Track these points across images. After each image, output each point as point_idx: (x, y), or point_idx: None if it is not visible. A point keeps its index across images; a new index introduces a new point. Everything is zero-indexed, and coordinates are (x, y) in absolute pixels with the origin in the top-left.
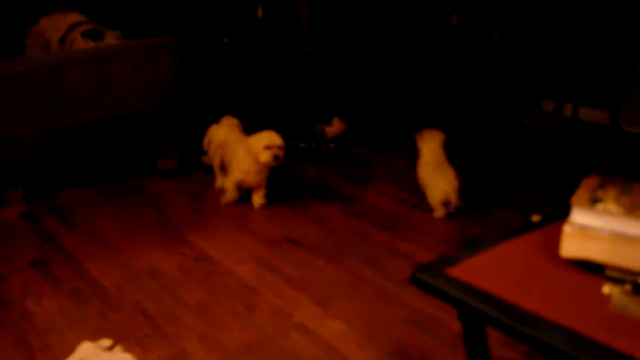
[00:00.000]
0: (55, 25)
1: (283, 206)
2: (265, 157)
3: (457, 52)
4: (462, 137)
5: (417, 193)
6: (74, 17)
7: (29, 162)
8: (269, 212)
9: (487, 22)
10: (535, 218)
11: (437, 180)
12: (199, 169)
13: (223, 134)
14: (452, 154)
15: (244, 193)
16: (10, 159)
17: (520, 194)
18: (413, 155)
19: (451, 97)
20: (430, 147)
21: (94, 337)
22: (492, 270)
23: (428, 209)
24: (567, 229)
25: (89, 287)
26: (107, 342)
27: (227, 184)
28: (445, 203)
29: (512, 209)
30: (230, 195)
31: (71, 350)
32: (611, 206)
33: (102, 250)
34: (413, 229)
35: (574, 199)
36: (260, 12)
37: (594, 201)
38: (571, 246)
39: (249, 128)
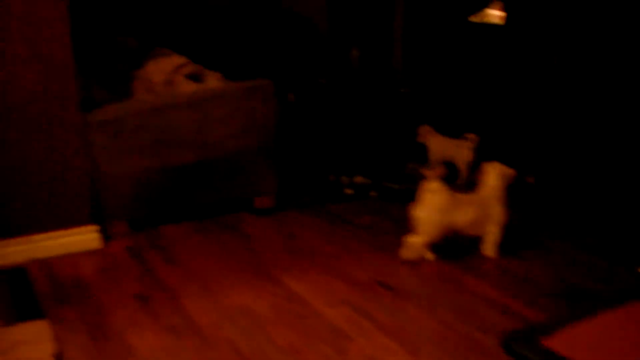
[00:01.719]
0: (159, 68)
1: (375, 248)
2: None
3: (558, 95)
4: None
5: None
6: (177, 59)
7: (133, 198)
8: (361, 254)
9: (588, 60)
10: None
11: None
12: (294, 208)
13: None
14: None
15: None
16: (116, 195)
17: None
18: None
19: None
20: (493, 182)
21: None
22: (598, 344)
23: (528, 256)
24: None
25: (186, 323)
26: None
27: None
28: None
29: (597, 254)
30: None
31: None
32: None
33: (198, 286)
34: (511, 277)
35: None
36: (355, 53)
37: None
38: None
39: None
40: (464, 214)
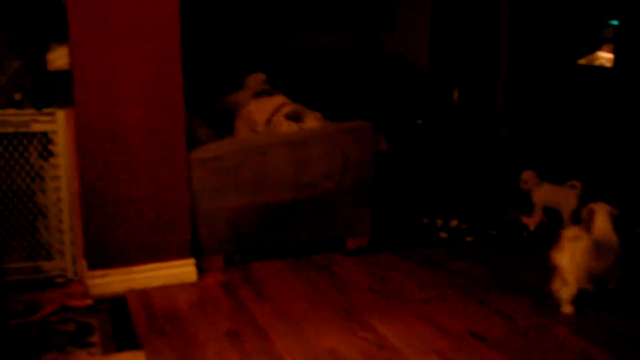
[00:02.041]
0: (262, 108)
1: (469, 296)
2: None
3: None
4: None
5: None
6: (279, 99)
7: (229, 234)
8: (454, 302)
9: None
10: None
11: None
12: (387, 250)
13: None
14: None
15: None
16: (212, 231)
17: None
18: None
19: None
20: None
21: None
22: None
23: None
24: None
25: None
26: None
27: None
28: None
29: None
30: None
31: None
32: None
33: (288, 325)
34: (614, 337)
35: None
36: (455, 94)
37: None
38: None
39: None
40: (605, 259)
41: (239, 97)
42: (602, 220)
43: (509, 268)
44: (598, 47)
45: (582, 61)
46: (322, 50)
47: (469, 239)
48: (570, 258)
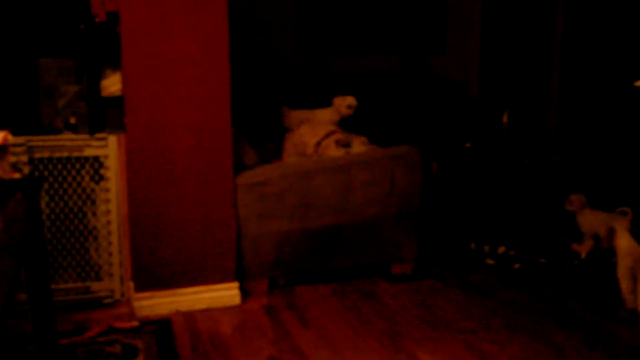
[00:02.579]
0: (314, 132)
1: (516, 327)
2: None
3: None
4: None
5: None
6: (330, 125)
7: (273, 258)
8: (500, 333)
9: None
10: None
11: None
12: (432, 277)
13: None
14: None
15: None
16: (257, 255)
17: None
18: None
19: None
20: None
21: None
22: None
23: None
24: None
25: None
26: None
27: None
28: None
29: None
30: None
31: None
32: None
33: (330, 353)
34: None
35: None
36: (506, 117)
37: None
38: None
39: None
40: None
41: (319, 115)
42: (623, 236)
43: (559, 298)
44: None
45: (639, 83)
46: (371, 74)
47: (516, 266)
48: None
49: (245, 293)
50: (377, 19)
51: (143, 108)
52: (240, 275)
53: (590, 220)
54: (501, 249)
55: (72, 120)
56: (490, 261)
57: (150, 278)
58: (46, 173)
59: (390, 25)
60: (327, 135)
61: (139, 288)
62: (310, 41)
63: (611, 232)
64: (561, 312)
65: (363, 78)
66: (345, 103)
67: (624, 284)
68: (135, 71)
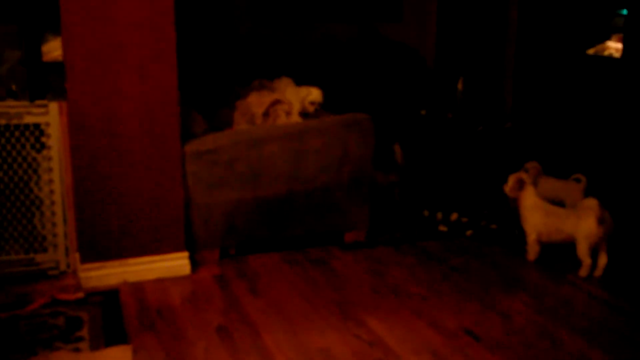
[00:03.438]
0: (260, 101)
1: (467, 293)
2: None
3: None
4: None
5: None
6: (278, 94)
7: (224, 228)
8: (450, 298)
9: None
10: None
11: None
12: (385, 244)
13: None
14: None
15: None
16: (207, 224)
17: None
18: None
19: None
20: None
21: None
22: None
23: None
24: None
25: None
26: None
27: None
28: None
29: None
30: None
31: None
32: None
33: (280, 322)
34: (616, 338)
35: None
36: (460, 85)
37: None
38: None
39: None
40: None
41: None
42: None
43: (509, 264)
44: (607, 37)
45: (591, 51)
46: (327, 42)
47: (469, 232)
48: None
49: (196, 263)
50: None
51: (85, 73)
52: (191, 244)
53: (546, 187)
54: (454, 216)
55: (14, 88)
56: (443, 228)
57: (97, 249)
58: None
59: None
60: (273, 104)
61: (85, 259)
62: (264, 8)
63: (521, 184)
64: (511, 277)
65: (318, 46)
66: (309, 98)
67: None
68: (76, 34)
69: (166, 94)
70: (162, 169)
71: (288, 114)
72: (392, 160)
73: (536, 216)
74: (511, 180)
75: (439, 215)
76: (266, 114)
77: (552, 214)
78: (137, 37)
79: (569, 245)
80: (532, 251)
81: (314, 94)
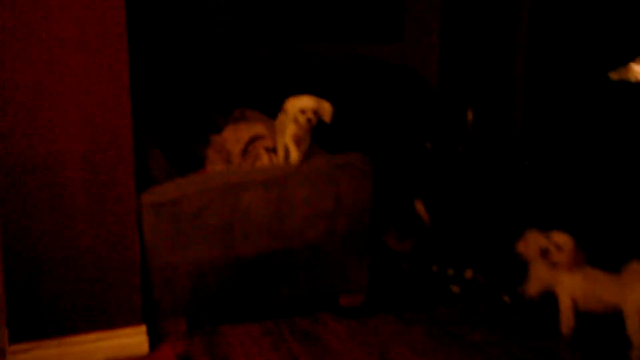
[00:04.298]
0: (236, 136)
1: None
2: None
3: None
4: None
5: None
6: (258, 128)
7: (192, 293)
8: None
9: None
10: None
11: None
12: (387, 310)
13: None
14: None
15: None
16: (171, 289)
17: None
18: None
19: None
20: None
21: None
22: None
23: None
24: None
25: None
26: None
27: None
28: None
29: None
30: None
31: None
32: None
33: None
34: None
35: None
36: (470, 114)
37: None
38: None
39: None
40: None
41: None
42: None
43: (540, 339)
44: (632, 59)
45: (615, 76)
46: (320, 63)
47: (487, 295)
48: None
49: (157, 337)
50: (328, 2)
51: (12, 101)
52: (151, 314)
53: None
54: (468, 273)
55: None
56: (455, 289)
57: (31, 324)
58: None
59: (343, 9)
60: (252, 141)
61: (16, 338)
62: (252, 25)
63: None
64: (542, 356)
65: (310, 68)
66: (298, 105)
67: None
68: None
69: (118, 130)
70: (112, 225)
71: (269, 150)
72: (409, 221)
73: (572, 278)
74: (532, 243)
75: (450, 272)
76: (245, 152)
77: (591, 277)
78: (79, 57)
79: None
80: (566, 323)
81: (303, 100)
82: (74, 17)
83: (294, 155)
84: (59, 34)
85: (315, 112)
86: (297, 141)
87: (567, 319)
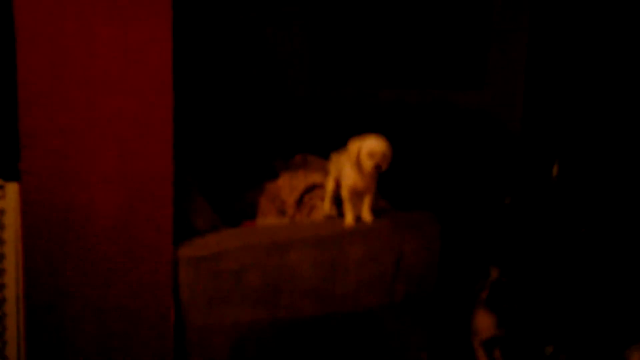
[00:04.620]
0: (292, 185)
1: None
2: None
3: None
4: None
5: None
6: (315, 176)
7: (230, 357)
8: None
9: None
10: None
11: None
12: None
13: None
14: None
15: None
16: (207, 353)
17: None
18: None
19: None
20: None
21: None
22: None
23: None
24: None
25: None
26: None
27: None
28: None
29: None
30: None
31: None
32: None
33: None
34: None
35: None
36: (556, 169)
37: None
38: None
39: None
40: None
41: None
42: None
43: None
44: None
45: None
46: (395, 109)
47: None
48: None
49: None
50: (405, 47)
51: (45, 147)
52: None
53: None
54: (549, 349)
55: None
56: None
57: None
58: None
59: (421, 54)
60: (309, 190)
61: None
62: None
63: None
64: None
65: (384, 114)
66: (366, 147)
67: None
68: (36, 98)
69: (157, 178)
70: (145, 279)
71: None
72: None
73: None
74: None
75: (549, 350)
76: (300, 202)
77: None
78: (118, 102)
79: None
80: None
81: (372, 141)
82: (117, 54)
83: (349, 217)
84: (97, 79)
85: (386, 157)
86: (357, 194)
87: None
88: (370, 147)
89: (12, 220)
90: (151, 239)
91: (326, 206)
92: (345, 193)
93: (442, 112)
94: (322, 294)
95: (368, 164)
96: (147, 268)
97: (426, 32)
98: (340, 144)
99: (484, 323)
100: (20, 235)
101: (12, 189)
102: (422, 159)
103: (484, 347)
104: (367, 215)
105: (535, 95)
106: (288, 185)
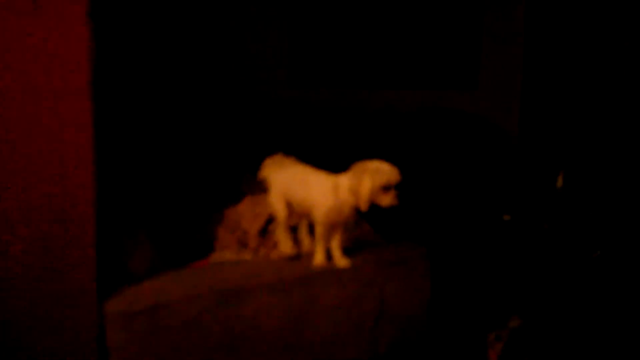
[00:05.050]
0: (254, 211)
1: None
2: None
3: None
4: None
5: None
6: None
7: None
8: None
9: None
10: None
11: None
12: None
13: None
14: None
15: None
16: None
17: None
18: None
19: None
20: None
21: None
22: None
23: None
24: None
25: None
26: None
27: None
28: None
29: None
30: None
31: None
32: None
33: None
34: None
35: None
36: (560, 181)
37: None
38: None
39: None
40: None
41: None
42: None
43: None
44: None
45: None
46: (384, 113)
47: None
48: None
49: None
50: (393, 47)
51: None
52: None
53: None
54: None
55: None
56: None
57: None
58: None
59: (409, 54)
60: (273, 219)
61: None
62: (305, 71)
63: None
64: None
65: (371, 119)
66: (380, 177)
67: None
68: None
69: (76, 210)
70: (64, 342)
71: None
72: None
73: None
74: None
75: None
76: (265, 232)
77: None
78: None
79: None
80: None
81: (386, 169)
82: (26, 54)
83: (320, 256)
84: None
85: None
86: (332, 228)
87: None
88: (387, 176)
89: None
90: (71, 291)
91: (284, 244)
92: (320, 229)
93: (432, 117)
94: (289, 347)
95: (386, 200)
96: (68, 326)
97: (412, 28)
98: (322, 152)
99: None
100: None
101: None
102: (409, 171)
103: None
104: (339, 259)
105: (534, 94)
106: (250, 212)
